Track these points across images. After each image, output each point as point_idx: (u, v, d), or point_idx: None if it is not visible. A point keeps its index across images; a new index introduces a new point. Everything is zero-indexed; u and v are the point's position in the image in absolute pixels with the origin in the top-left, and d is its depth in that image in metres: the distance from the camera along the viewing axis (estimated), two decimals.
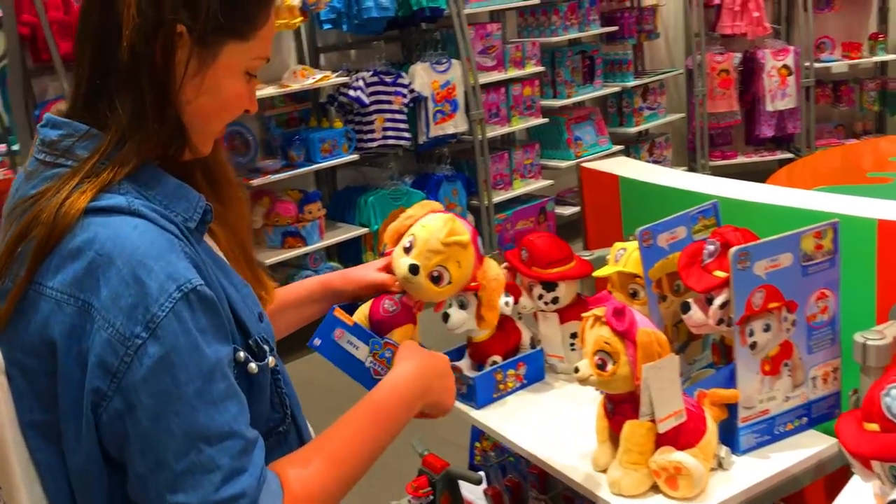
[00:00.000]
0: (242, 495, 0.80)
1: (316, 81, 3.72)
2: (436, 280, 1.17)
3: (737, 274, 1.17)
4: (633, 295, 1.38)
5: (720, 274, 1.20)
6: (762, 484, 1.19)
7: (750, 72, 5.48)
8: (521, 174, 4.70)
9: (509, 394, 1.49)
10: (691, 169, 5.53)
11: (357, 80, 3.87)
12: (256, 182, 3.57)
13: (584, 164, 1.95)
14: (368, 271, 1.26)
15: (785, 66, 5.38)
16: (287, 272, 3.78)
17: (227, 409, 0.82)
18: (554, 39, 4.75)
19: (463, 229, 1.22)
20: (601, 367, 1.14)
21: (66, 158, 0.87)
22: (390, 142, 4.02)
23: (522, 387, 1.51)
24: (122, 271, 0.80)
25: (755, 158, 5.68)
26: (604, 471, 1.20)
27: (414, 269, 1.16)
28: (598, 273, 1.42)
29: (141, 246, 0.81)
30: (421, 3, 3.96)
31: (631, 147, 5.35)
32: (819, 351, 1.26)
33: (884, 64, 5.66)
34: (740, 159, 5.69)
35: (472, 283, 1.29)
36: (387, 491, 2.01)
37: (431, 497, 1.66)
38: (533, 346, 1.53)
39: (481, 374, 1.46)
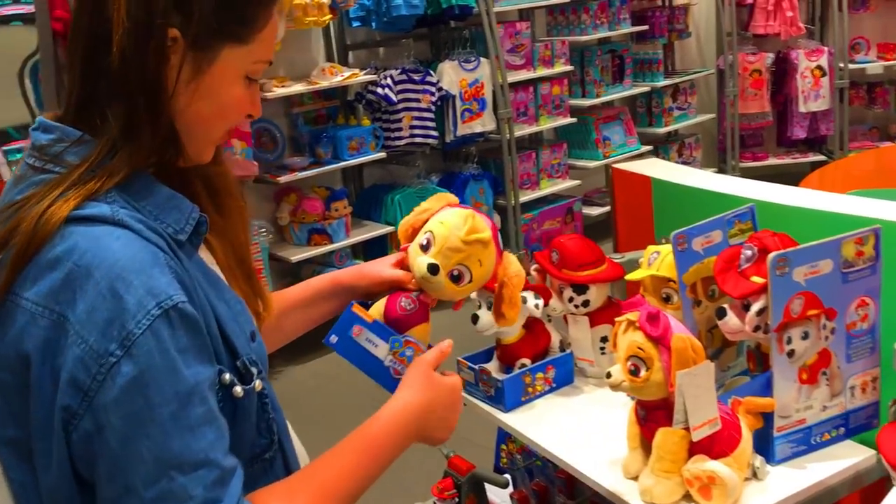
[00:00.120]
0: None
1: (344, 79, 3.72)
2: (456, 279, 1.12)
3: (775, 280, 1.14)
4: (667, 299, 1.35)
5: (758, 280, 1.17)
6: (798, 495, 1.16)
7: (782, 72, 5.41)
8: (549, 174, 4.67)
9: (538, 397, 1.47)
10: (721, 170, 5.47)
11: (385, 77, 3.86)
12: (284, 179, 3.57)
13: (616, 165, 1.92)
14: (383, 267, 1.19)
15: (818, 67, 5.29)
16: (313, 269, 3.78)
17: (203, 436, 0.77)
18: (583, 38, 4.71)
19: (483, 225, 1.17)
20: (634, 372, 1.12)
21: (54, 164, 0.83)
22: (417, 140, 4.01)
23: (551, 390, 1.49)
24: (100, 284, 0.76)
25: (787, 160, 5.60)
26: (634, 478, 1.18)
27: (433, 269, 1.10)
28: (630, 276, 1.40)
29: (121, 258, 0.78)
30: (450, 0, 3.94)
31: (660, 147, 5.30)
32: (858, 360, 1.23)
33: None
34: (771, 161, 5.61)
35: (492, 283, 1.26)
36: (411, 492, 2.00)
37: (456, 499, 1.65)
38: (562, 349, 1.51)
39: (510, 376, 1.44)
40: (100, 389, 0.75)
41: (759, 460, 1.17)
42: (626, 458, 1.20)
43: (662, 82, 5.12)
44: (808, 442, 1.22)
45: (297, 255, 3.68)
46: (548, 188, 4.62)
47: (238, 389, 0.85)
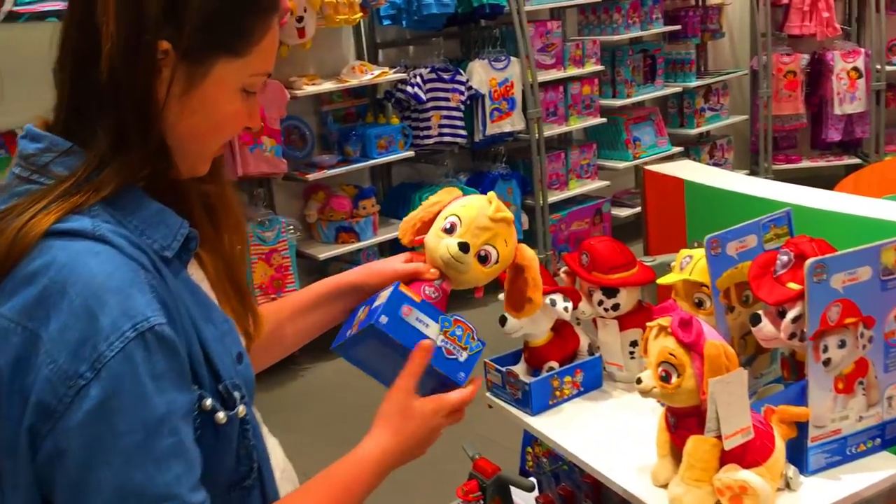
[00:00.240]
0: None
1: (374, 77, 3.72)
2: (483, 260, 1.08)
3: (812, 287, 1.11)
4: (699, 304, 1.33)
5: (794, 286, 1.15)
6: None
7: (818, 74, 5.32)
8: (578, 174, 4.64)
9: (565, 401, 1.46)
10: (753, 172, 5.39)
11: (415, 76, 3.86)
12: (312, 177, 3.58)
13: (648, 167, 1.89)
14: (395, 263, 1.13)
15: (855, 69, 5.20)
16: (340, 267, 3.79)
17: (169, 468, 0.74)
18: (615, 38, 4.67)
19: (505, 206, 1.14)
20: (665, 379, 1.10)
21: (40, 175, 0.80)
22: (446, 139, 4.00)
23: (579, 394, 1.47)
24: (74, 303, 0.73)
25: (821, 163, 5.52)
26: (663, 486, 1.16)
27: (465, 247, 1.06)
28: (662, 280, 1.38)
29: (98, 276, 0.74)
30: None
31: (691, 149, 5.24)
32: None
33: None
34: (805, 164, 5.53)
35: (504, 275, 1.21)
36: (436, 493, 2.00)
37: (481, 502, 1.64)
38: (591, 352, 1.50)
39: (537, 379, 1.43)
40: (66, 412, 0.72)
41: (792, 470, 1.14)
42: (655, 465, 1.18)
43: (695, 83, 5.07)
44: (843, 453, 1.19)
45: (324, 252, 3.69)
46: (576, 189, 4.59)
47: (220, 415, 0.82)
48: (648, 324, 1.14)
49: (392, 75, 3.79)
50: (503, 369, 1.46)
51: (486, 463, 1.71)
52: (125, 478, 0.72)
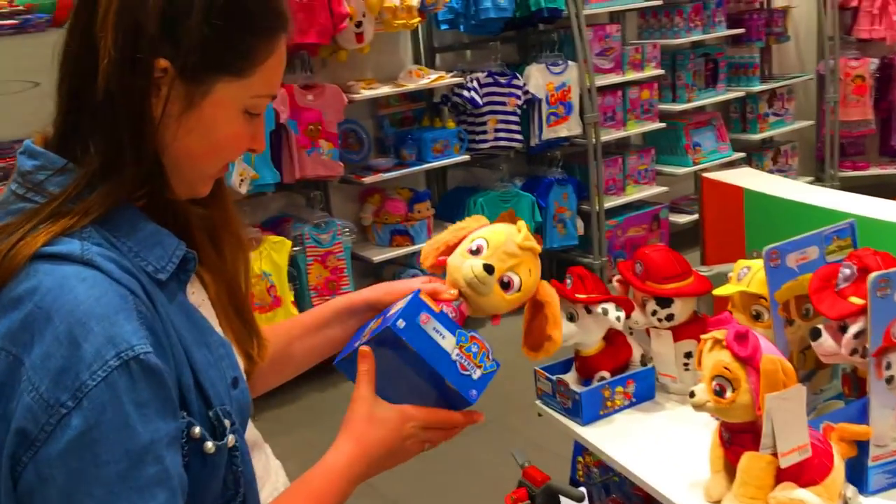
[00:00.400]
0: None
1: (431, 81, 3.74)
2: (505, 286, 1.06)
3: (875, 302, 1.08)
4: (757, 317, 1.30)
5: (856, 301, 1.11)
6: None
7: (887, 78, 5.15)
8: (635, 179, 4.58)
9: (617, 412, 1.44)
10: (818, 179, 5.25)
11: (471, 80, 3.86)
12: (368, 180, 3.61)
13: (706, 175, 1.86)
14: (413, 282, 1.10)
15: None
16: (394, 270, 3.81)
17: (153, 497, 0.72)
18: (676, 41, 4.60)
19: (533, 237, 1.12)
20: (719, 393, 1.08)
21: (35, 193, 0.79)
22: (502, 143, 3.99)
23: (631, 405, 1.45)
24: (58, 329, 0.72)
25: (889, 171, 5.33)
26: (716, 503, 1.13)
27: (490, 269, 1.04)
28: (718, 292, 1.35)
29: (84, 302, 0.73)
30: (539, 3, 3.91)
31: (753, 154, 5.13)
32: None
33: None
34: (873, 171, 5.35)
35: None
36: (485, 500, 1.99)
37: None
38: (644, 363, 1.47)
39: (588, 389, 1.41)
40: (47, 441, 0.71)
41: (851, 490, 1.11)
42: (708, 481, 1.16)
43: (758, 87, 4.95)
44: None
45: (378, 255, 3.71)
46: (634, 194, 4.53)
47: (209, 445, 0.80)
48: (703, 336, 1.11)
49: (449, 79, 3.80)
50: (553, 378, 1.45)
51: (535, 471, 1.69)
52: None
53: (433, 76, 3.76)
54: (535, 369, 1.50)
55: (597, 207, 4.27)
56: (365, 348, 0.97)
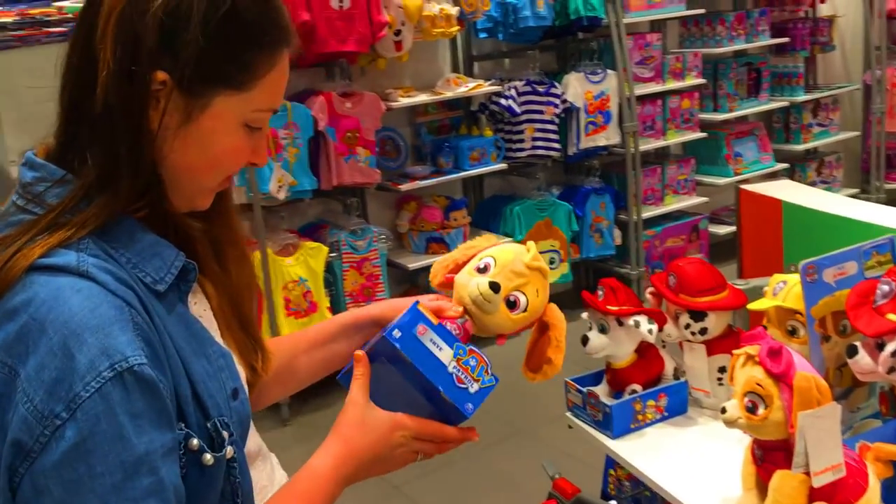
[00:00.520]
0: None
1: (468, 90, 3.74)
2: (511, 305, 1.05)
3: None
4: (792, 332, 1.28)
5: (895, 318, 1.09)
6: None
7: None
8: (674, 189, 4.53)
9: (648, 425, 1.42)
10: (864, 191, 5.14)
11: (510, 89, 3.86)
12: (405, 187, 3.63)
13: (744, 186, 1.83)
14: (422, 299, 1.09)
15: None
16: (428, 278, 3.81)
17: None
18: (718, 50, 4.54)
19: (542, 258, 1.11)
20: (751, 409, 1.06)
21: (34, 205, 0.80)
22: (539, 152, 3.98)
23: (663, 419, 1.44)
24: (53, 340, 0.72)
25: None
26: None
27: (495, 287, 1.04)
28: (753, 306, 1.33)
29: (78, 314, 0.73)
30: (579, 12, 3.90)
31: (797, 165, 5.04)
32: None
33: None
34: None
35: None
36: None
37: None
38: (676, 377, 1.46)
39: (619, 402, 1.40)
40: (42, 452, 0.71)
41: None
42: (739, 498, 1.14)
43: (802, 97, 4.87)
44: None
45: (414, 262, 3.72)
46: (673, 204, 4.48)
47: (208, 457, 0.81)
48: (735, 352, 1.10)
49: (486, 88, 3.81)
50: (584, 390, 1.44)
51: (565, 483, 1.68)
52: None
53: (471, 84, 3.77)
54: (565, 380, 1.49)
55: (634, 217, 4.24)
56: (359, 353, 0.97)
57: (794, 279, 1.27)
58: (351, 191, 3.64)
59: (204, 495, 0.83)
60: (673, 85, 4.38)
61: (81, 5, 0.83)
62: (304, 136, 3.28)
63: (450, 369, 0.96)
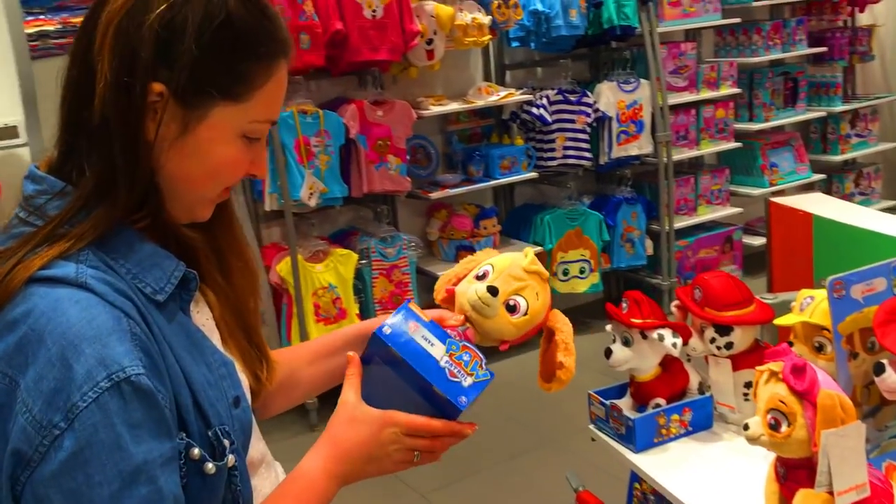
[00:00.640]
0: None
1: (500, 98, 3.74)
2: (511, 309, 1.05)
3: None
4: (819, 349, 1.26)
5: None
6: None
7: None
8: (708, 200, 4.48)
9: (672, 440, 1.41)
10: None
11: (541, 97, 3.85)
12: (435, 195, 3.64)
13: (774, 199, 1.81)
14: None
15: None
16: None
17: None
18: (754, 60, 4.49)
19: (541, 263, 1.11)
20: (774, 427, 1.05)
21: (36, 217, 0.81)
22: (570, 161, 3.96)
23: (687, 434, 1.42)
24: (51, 351, 0.73)
25: None
26: None
27: (493, 291, 1.04)
28: (779, 321, 1.31)
29: (76, 325, 0.74)
30: (612, 21, 3.88)
31: (834, 176, 4.96)
32: None
33: None
34: None
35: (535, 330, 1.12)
36: None
37: None
38: (702, 391, 1.45)
39: (642, 416, 1.39)
40: (41, 462, 0.72)
41: None
42: None
43: (840, 107, 4.79)
44: None
45: (444, 270, 3.69)
46: (706, 215, 4.44)
47: (210, 466, 0.81)
48: (758, 368, 1.09)
49: (518, 96, 3.81)
50: (607, 402, 1.43)
51: (589, 496, 1.67)
52: None
53: (502, 93, 3.77)
54: (588, 392, 1.48)
55: (666, 227, 4.20)
56: (351, 354, 0.98)
57: (821, 294, 1.25)
58: (382, 198, 3.66)
59: (205, 503, 0.83)
60: (707, 94, 4.34)
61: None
62: (336, 143, 3.31)
63: (442, 364, 0.95)
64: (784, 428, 1.04)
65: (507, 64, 4.08)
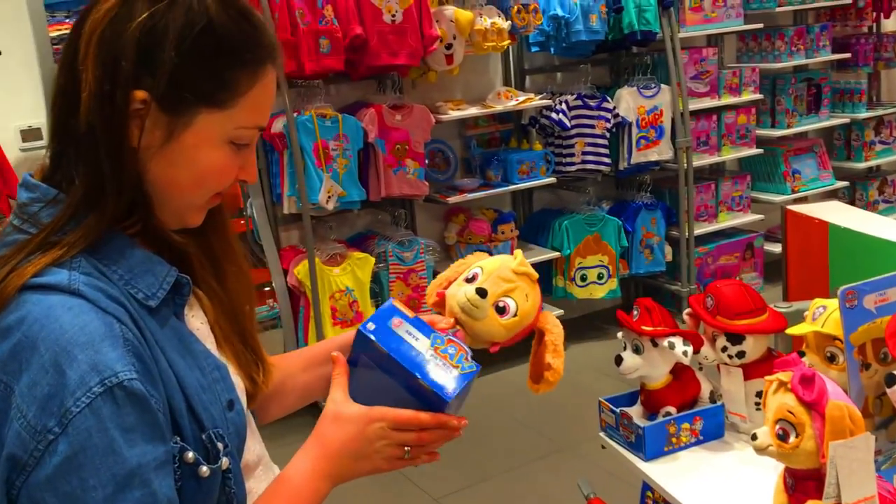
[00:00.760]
0: None
1: (519, 103, 3.74)
2: (501, 311, 1.05)
3: None
4: (831, 359, 1.24)
5: None
6: None
7: None
8: (729, 206, 4.45)
9: (682, 449, 1.40)
10: None
11: (560, 102, 3.85)
12: (453, 200, 3.64)
13: (791, 207, 1.79)
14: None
15: None
16: None
17: None
18: (777, 65, 4.46)
19: (530, 265, 1.11)
20: (782, 437, 1.04)
21: (30, 225, 0.81)
22: (589, 166, 3.95)
23: (698, 443, 1.41)
24: (44, 357, 0.74)
25: None
26: None
27: (482, 293, 1.04)
28: (791, 331, 1.30)
29: (69, 331, 0.75)
30: (633, 26, 3.87)
31: (858, 184, 4.91)
32: None
33: None
34: None
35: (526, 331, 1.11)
36: None
37: None
38: (713, 400, 1.44)
39: (652, 424, 1.38)
40: (36, 466, 0.73)
41: None
42: None
43: (865, 114, 4.74)
44: None
45: None
46: (727, 221, 4.40)
47: (204, 469, 0.82)
48: (767, 378, 1.08)
49: (537, 101, 3.80)
50: (617, 410, 1.43)
51: (600, 503, 1.67)
52: None
53: (521, 98, 3.77)
54: (599, 400, 1.48)
55: (686, 234, 4.17)
56: (336, 354, 0.98)
57: (833, 304, 1.24)
58: (400, 202, 3.67)
59: None
60: (729, 100, 4.32)
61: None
62: (354, 147, 3.32)
63: (426, 357, 0.95)
64: (792, 439, 1.03)
65: (526, 69, 4.08)
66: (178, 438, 0.81)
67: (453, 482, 2.90)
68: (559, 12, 3.73)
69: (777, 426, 1.04)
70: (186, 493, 0.82)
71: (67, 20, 2.90)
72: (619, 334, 1.43)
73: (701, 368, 1.45)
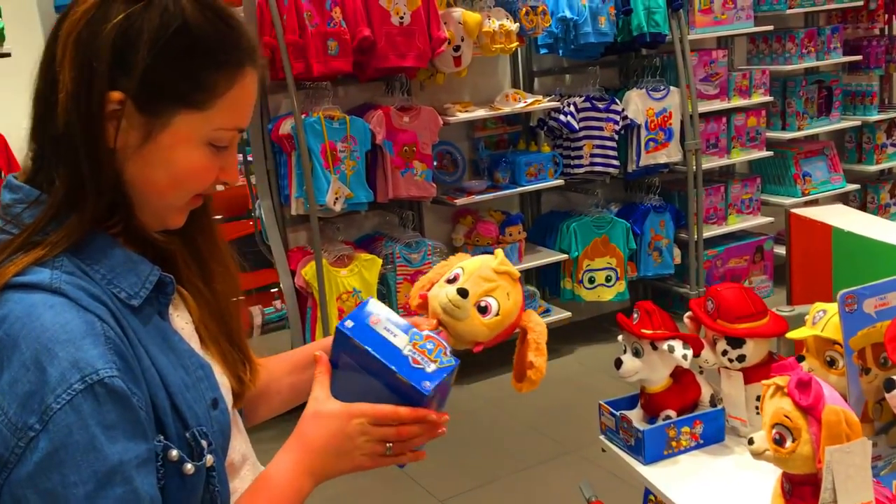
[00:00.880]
0: None
1: (527, 105, 3.74)
2: (482, 311, 1.05)
3: None
4: (831, 363, 1.24)
5: None
6: None
7: None
8: (738, 209, 4.43)
9: (682, 452, 1.40)
10: None
11: (569, 105, 3.84)
12: (461, 201, 3.64)
13: (794, 211, 1.79)
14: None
15: None
16: None
17: None
18: (787, 68, 4.44)
19: (510, 264, 1.11)
20: (779, 442, 1.03)
21: (12, 226, 0.82)
22: (598, 168, 3.95)
23: (698, 447, 1.41)
24: (25, 355, 0.75)
25: None
26: None
27: (463, 293, 1.04)
28: (791, 335, 1.30)
29: (50, 329, 0.76)
30: (642, 28, 3.86)
31: (869, 186, 4.88)
32: None
33: None
34: None
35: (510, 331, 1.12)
36: None
37: None
38: (713, 404, 1.43)
39: (652, 427, 1.38)
40: (18, 463, 0.74)
41: None
42: None
43: (876, 116, 4.71)
44: None
45: None
46: (736, 224, 4.39)
47: (189, 466, 0.83)
48: (764, 382, 1.07)
49: (545, 103, 3.80)
50: (617, 413, 1.43)
51: None
52: None
53: (529, 100, 3.77)
54: (599, 403, 1.48)
55: (695, 236, 4.16)
56: (318, 353, 0.99)
57: (833, 308, 1.23)
58: (407, 204, 3.68)
59: (184, 503, 0.84)
60: (739, 102, 4.30)
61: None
62: (362, 149, 3.33)
63: (405, 353, 0.96)
64: (789, 443, 1.02)
65: (535, 71, 4.08)
66: (163, 437, 0.82)
67: (459, 484, 2.91)
68: (568, 14, 3.73)
69: (773, 430, 1.04)
70: (170, 490, 0.82)
71: None
72: (620, 337, 1.43)
73: (701, 372, 1.45)
